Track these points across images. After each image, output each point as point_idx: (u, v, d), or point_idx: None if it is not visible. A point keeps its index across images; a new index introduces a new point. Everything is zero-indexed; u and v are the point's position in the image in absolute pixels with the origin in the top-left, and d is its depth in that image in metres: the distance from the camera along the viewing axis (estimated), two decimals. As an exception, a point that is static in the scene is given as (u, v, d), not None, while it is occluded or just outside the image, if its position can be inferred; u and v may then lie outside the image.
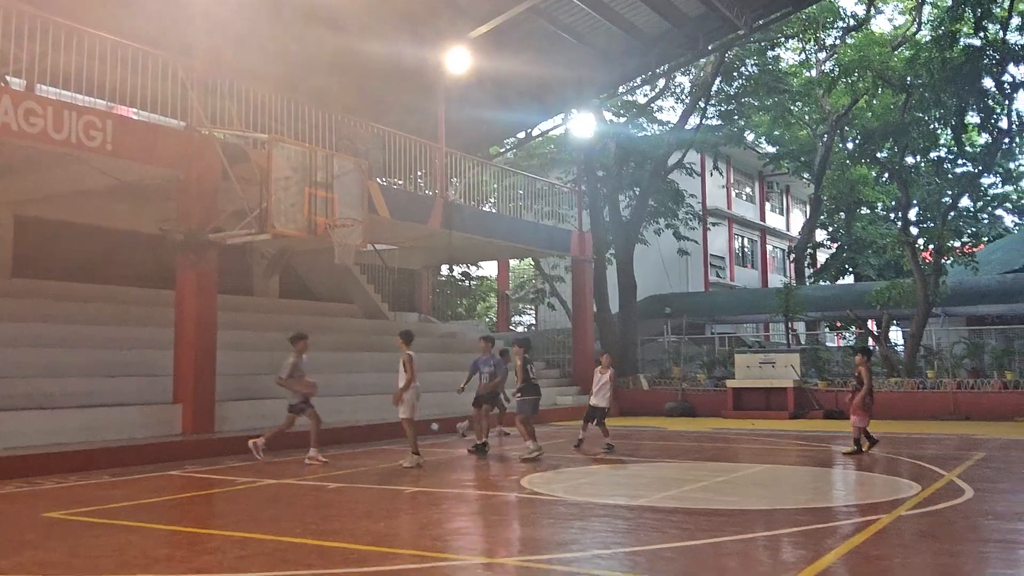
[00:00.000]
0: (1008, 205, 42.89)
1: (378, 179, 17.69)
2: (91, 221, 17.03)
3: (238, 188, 13.12)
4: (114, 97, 14.35)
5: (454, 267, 35.03)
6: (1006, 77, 23.46)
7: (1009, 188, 42.19)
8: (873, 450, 12.55)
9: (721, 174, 40.13)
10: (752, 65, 30.33)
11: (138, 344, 14.74)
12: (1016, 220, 42.91)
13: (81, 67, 12.57)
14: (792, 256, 38.13)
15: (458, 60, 19.05)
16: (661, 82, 30.62)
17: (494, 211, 24.41)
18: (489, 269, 41.41)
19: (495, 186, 25.60)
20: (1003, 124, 24.29)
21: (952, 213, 28.77)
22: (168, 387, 13.66)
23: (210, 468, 11.40)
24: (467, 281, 39.06)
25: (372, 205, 15.52)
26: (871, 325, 27.39)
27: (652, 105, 31.75)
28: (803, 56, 34.52)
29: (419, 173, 21.86)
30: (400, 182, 20.71)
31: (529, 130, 29.77)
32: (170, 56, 13.68)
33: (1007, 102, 23.87)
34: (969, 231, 40.10)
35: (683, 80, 31.75)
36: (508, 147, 32.06)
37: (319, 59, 19.18)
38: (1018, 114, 25.17)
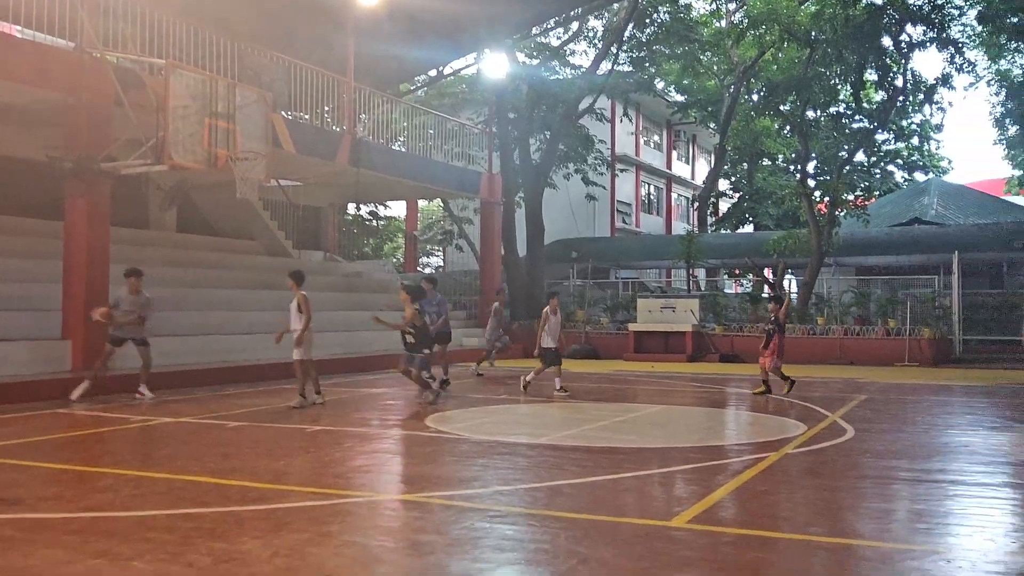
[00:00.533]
0: (899, 161, 44.72)
1: (283, 112, 17.14)
2: (-29, 146, 16.03)
3: (132, 116, 12.52)
4: (-6, 13, 13.42)
5: (361, 206, 34.48)
6: (903, 37, 24.28)
7: (901, 145, 43.96)
8: (765, 396, 13.08)
9: (631, 121, 40.45)
10: (664, 12, 30.43)
11: (25, 277, 14.07)
12: (905, 176, 44.82)
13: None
14: (696, 204, 38.94)
15: (368, -9, 18.49)
16: (575, 25, 30.49)
17: (403, 150, 24.05)
18: (397, 209, 40.95)
19: (405, 124, 25.19)
20: (899, 83, 25.19)
21: (847, 167, 29.84)
22: (57, 322, 13.12)
23: (101, 406, 11.05)
24: (374, 220, 38.56)
25: (276, 139, 15.07)
26: (767, 273, 28.35)
27: (565, 48, 31.62)
28: (714, 6, 34.81)
29: (326, 108, 21.28)
30: (306, 116, 20.13)
31: (441, 68, 29.33)
32: (58, -29, 12.83)
33: (903, 61, 24.72)
34: (862, 185, 41.70)
35: (596, 24, 31.70)
36: (419, 85, 31.53)
37: (221, -17, 18.31)
38: (912, 73, 26.13)
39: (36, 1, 12.61)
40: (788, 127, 29.64)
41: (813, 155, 30.67)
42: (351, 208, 33.64)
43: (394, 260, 41.69)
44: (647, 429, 9.93)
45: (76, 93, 12.88)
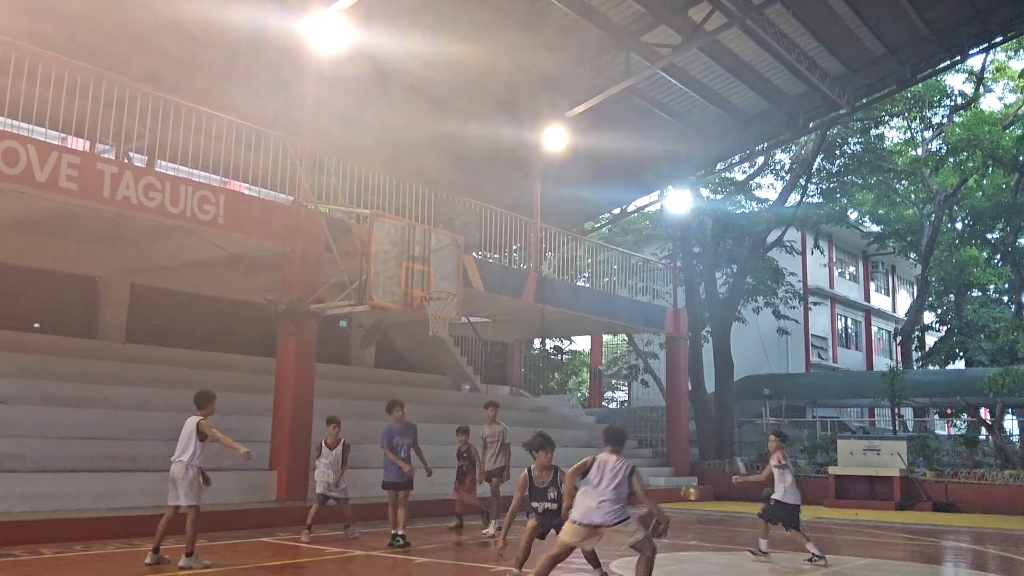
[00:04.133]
0: None
1: (474, 253, 17.98)
2: (200, 290, 17.79)
3: (340, 261, 13.54)
4: (228, 173, 15.13)
5: (547, 341, 35.00)
6: None
7: None
8: (985, 546, 11.77)
9: (823, 253, 39.25)
10: (855, 143, 29.84)
11: (239, 410, 15.14)
12: None
13: (199, 145, 13.33)
14: (899, 339, 36.75)
15: (555, 138, 19.40)
16: (760, 159, 30.42)
17: (588, 286, 24.42)
18: (582, 343, 41.24)
19: (589, 261, 25.66)
20: None
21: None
22: (265, 453, 13.94)
23: (293, 536, 11.50)
24: (559, 355, 38.94)
25: (467, 279, 15.75)
26: (984, 413, 26.00)
27: (751, 182, 31.51)
28: (908, 135, 33.83)
29: (514, 247, 22.12)
30: (495, 256, 20.99)
31: (624, 206, 29.89)
32: (281, 135, 14.38)
33: None
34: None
35: (783, 157, 31.47)
36: (603, 223, 32.20)
37: (420, 138, 19.85)
38: None
39: (262, 162, 14.14)
40: (998, 256, 27.76)
41: (1030, 285, 28.43)
42: (537, 343, 34.24)
43: (579, 395, 41.71)
44: (852, 585, 9.14)
45: (291, 242, 14.14)
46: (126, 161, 14.08)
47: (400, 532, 10.63)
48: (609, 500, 6.84)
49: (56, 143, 12.47)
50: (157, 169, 14.17)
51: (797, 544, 10.53)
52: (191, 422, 8.92)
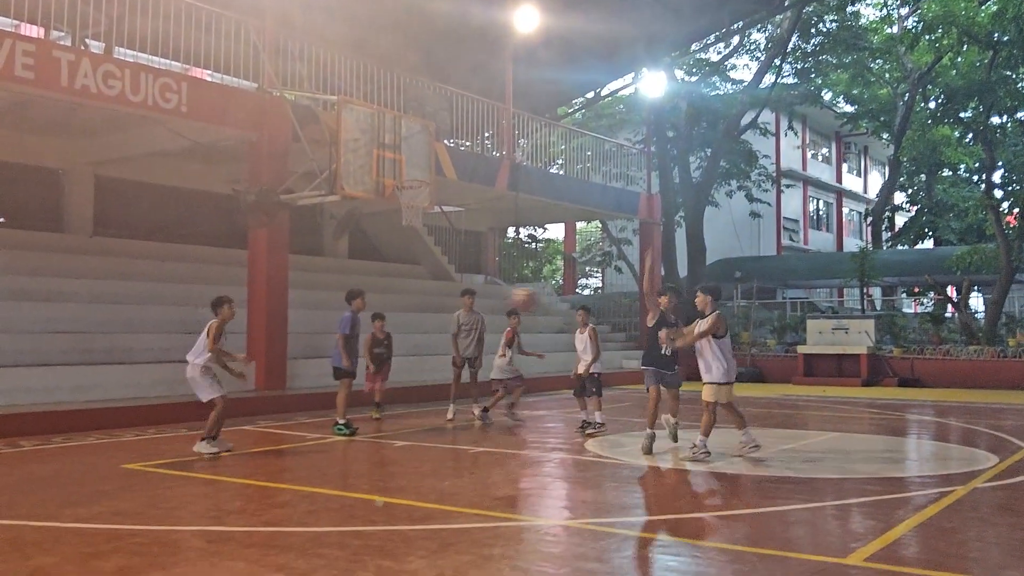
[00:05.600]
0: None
1: (445, 140, 17.68)
2: (167, 182, 17.46)
3: (308, 149, 13.26)
4: (189, 59, 14.58)
5: (520, 229, 34.98)
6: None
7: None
8: (948, 419, 12.19)
9: (796, 134, 39.10)
10: (831, 21, 29.29)
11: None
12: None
13: (158, 30, 12.80)
14: (869, 219, 37.09)
15: (526, 18, 18.81)
16: (735, 39, 29.85)
17: (561, 173, 24.21)
18: (556, 231, 41.28)
19: (563, 147, 25.36)
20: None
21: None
22: (242, 344, 13.99)
23: (281, 424, 11.69)
24: (533, 243, 39.02)
25: (439, 167, 15.53)
26: (951, 291, 26.56)
27: (726, 63, 31.00)
28: (884, 12, 33.21)
29: (486, 134, 21.78)
30: (467, 143, 20.66)
31: (598, 90, 29.37)
32: (242, 18, 13.82)
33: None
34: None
35: (758, 37, 30.90)
36: (576, 108, 31.71)
37: (387, 20, 19.16)
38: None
39: (223, 47, 13.63)
40: (970, 135, 27.77)
41: (1000, 163, 28.52)
42: (511, 231, 34.19)
43: (553, 282, 42.02)
44: (820, 458, 9.47)
45: (258, 130, 13.80)
46: (83, 48, 13.50)
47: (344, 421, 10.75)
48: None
49: (9, 31, 11.93)
50: (116, 56, 13.64)
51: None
52: (208, 324, 9.05)
